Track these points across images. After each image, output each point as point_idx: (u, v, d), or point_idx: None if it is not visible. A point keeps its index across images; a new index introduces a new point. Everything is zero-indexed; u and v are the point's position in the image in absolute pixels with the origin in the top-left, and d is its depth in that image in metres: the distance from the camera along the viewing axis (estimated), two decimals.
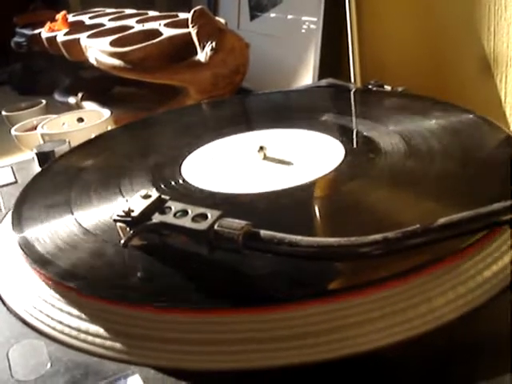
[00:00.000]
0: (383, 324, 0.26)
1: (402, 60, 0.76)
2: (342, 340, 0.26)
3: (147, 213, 0.31)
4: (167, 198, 0.32)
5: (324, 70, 0.81)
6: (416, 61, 0.73)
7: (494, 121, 0.44)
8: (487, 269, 0.29)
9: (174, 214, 0.30)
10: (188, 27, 0.77)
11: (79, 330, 0.29)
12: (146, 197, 0.32)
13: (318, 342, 0.26)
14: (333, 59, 0.83)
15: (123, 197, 0.39)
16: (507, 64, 0.61)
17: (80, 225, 0.36)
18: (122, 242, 0.30)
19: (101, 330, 0.29)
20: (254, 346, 0.26)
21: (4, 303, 0.33)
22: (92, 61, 0.84)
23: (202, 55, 0.74)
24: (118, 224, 0.31)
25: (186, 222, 0.29)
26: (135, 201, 0.32)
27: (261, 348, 0.26)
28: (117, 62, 0.77)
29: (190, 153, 0.46)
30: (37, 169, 0.52)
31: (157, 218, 0.30)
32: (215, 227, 0.28)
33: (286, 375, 0.26)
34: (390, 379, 0.25)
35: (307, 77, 0.84)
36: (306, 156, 0.43)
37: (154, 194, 0.32)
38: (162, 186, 0.40)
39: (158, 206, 0.31)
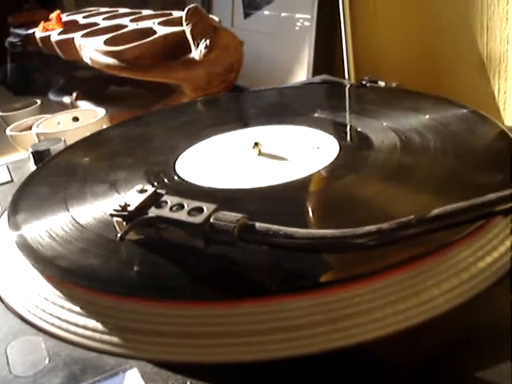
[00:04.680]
0: (379, 315, 0.27)
1: (395, 56, 0.76)
2: (335, 331, 0.26)
3: (143, 207, 0.31)
4: (163, 192, 0.32)
5: (318, 67, 0.81)
6: (409, 57, 0.74)
7: (488, 115, 0.44)
8: (482, 260, 0.29)
9: (170, 208, 0.30)
10: (182, 25, 0.77)
11: (77, 325, 0.29)
12: (142, 191, 0.32)
13: (310, 334, 0.26)
14: (327, 56, 0.83)
15: (119, 193, 0.39)
16: (500, 59, 0.62)
17: (76, 221, 0.36)
18: (119, 235, 0.30)
19: (99, 325, 0.29)
20: (249, 339, 0.27)
21: (2, 301, 0.33)
22: (86, 60, 0.84)
23: (196, 53, 0.74)
24: (115, 218, 0.31)
25: (182, 216, 0.29)
26: (131, 195, 0.32)
27: (255, 341, 0.26)
28: (111, 60, 0.77)
29: (184, 150, 0.46)
30: (32, 168, 0.52)
31: (153, 211, 0.30)
32: (211, 220, 0.28)
33: (280, 368, 0.26)
34: (388, 370, 0.25)
35: (301, 74, 0.84)
36: (300, 152, 0.43)
37: (150, 188, 0.32)
38: (158, 182, 0.40)
39: (154, 200, 0.31)
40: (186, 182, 0.40)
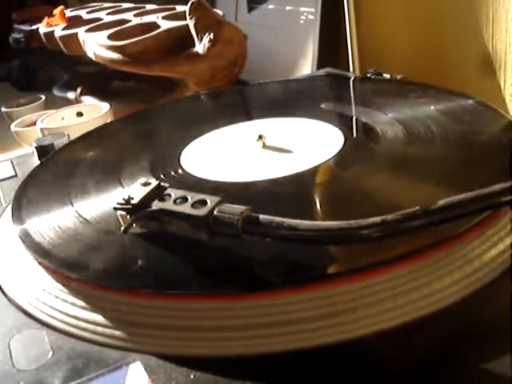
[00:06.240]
0: (380, 308, 0.26)
1: (399, 49, 0.76)
2: (338, 325, 0.26)
3: (147, 200, 0.31)
4: (167, 185, 0.32)
5: (322, 61, 0.81)
6: (414, 49, 0.73)
7: (494, 106, 0.44)
8: (487, 252, 0.29)
9: (174, 201, 0.30)
10: (185, 19, 0.77)
11: (80, 319, 0.29)
12: (146, 184, 0.32)
13: (314, 327, 0.26)
14: (331, 49, 0.83)
15: (123, 187, 0.39)
16: (506, 51, 0.61)
17: (80, 215, 0.36)
18: (122, 229, 0.30)
19: (101, 319, 0.29)
20: (253, 332, 0.26)
21: (5, 295, 0.33)
22: (90, 55, 0.84)
23: (200, 47, 0.74)
24: (119, 212, 0.31)
25: (186, 209, 0.29)
26: (135, 189, 0.32)
27: (259, 334, 0.26)
28: (115, 55, 0.77)
29: (189, 143, 0.46)
30: (36, 162, 0.52)
31: (156, 205, 0.30)
32: (215, 213, 0.28)
33: (285, 361, 0.25)
34: (390, 364, 0.25)
35: (306, 67, 0.84)
36: (305, 144, 0.43)
37: (154, 181, 0.32)
38: (162, 175, 0.40)
39: (158, 193, 0.31)
40: (191, 175, 0.40)
